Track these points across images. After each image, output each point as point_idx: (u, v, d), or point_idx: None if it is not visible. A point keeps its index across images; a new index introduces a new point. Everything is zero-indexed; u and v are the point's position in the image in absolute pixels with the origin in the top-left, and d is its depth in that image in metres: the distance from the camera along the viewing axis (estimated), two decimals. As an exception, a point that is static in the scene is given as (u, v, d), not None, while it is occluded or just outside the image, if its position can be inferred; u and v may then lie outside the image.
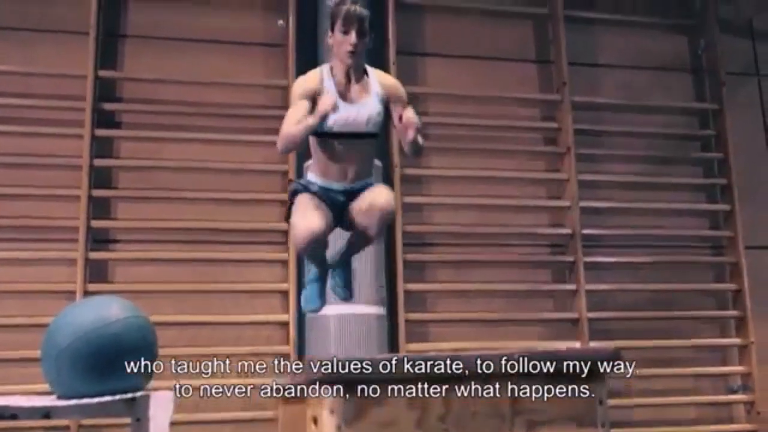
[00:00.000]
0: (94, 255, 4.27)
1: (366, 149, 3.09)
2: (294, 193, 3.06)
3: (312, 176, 3.11)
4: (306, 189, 3.03)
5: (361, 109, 3.01)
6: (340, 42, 2.98)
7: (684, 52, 5.48)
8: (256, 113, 4.66)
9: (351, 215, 3.03)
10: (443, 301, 4.67)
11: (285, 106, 4.50)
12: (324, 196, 3.01)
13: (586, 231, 4.87)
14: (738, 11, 5.53)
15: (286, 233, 4.45)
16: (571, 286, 4.80)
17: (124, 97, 4.59)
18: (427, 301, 4.70)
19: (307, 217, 2.86)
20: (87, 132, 4.34)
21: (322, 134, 2.99)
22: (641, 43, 5.35)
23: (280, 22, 4.80)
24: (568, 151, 4.94)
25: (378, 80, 3.10)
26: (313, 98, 2.97)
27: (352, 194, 3.05)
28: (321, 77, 3.04)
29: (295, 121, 2.90)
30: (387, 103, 3.07)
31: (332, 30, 3.03)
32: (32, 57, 4.45)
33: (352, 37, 2.97)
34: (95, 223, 4.30)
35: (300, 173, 4.47)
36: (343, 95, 3.01)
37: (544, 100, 5.12)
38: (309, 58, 4.62)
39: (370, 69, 3.13)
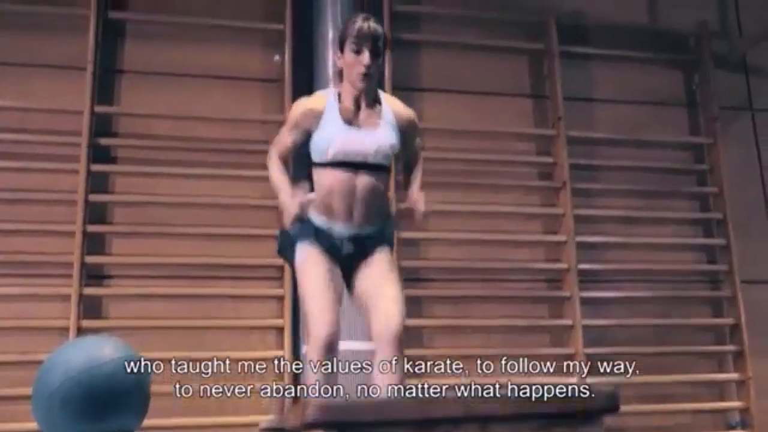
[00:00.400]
0: (88, 291, 4.24)
1: (375, 184, 2.78)
2: (292, 241, 2.79)
3: (314, 213, 2.79)
4: (307, 235, 2.75)
5: (369, 137, 2.76)
6: (351, 63, 2.75)
7: (678, 87, 5.51)
8: (252, 148, 4.65)
9: (358, 298, 2.80)
10: (440, 336, 4.64)
11: (281, 141, 4.60)
12: (326, 245, 2.74)
13: (582, 266, 4.86)
14: (732, 46, 5.56)
15: (281, 268, 4.44)
16: (568, 321, 4.78)
17: (120, 132, 4.59)
18: (423, 337, 4.67)
19: (325, 311, 2.63)
20: (82, 167, 4.33)
21: (323, 164, 2.76)
22: (636, 78, 5.38)
23: (276, 57, 4.82)
24: (563, 185, 4.95)
25: (392, 108, 2.88)
26: (308, 130, 2.78)
27: (361, 245, 2.78)
28: (325, 102, 2.82)
29: (278, 153, 2.85)
30: (401, 134, 2.84)
31: (341, 50, 2.80)
32: (29, 92, 4.45)
33: (366, 57, 2.73)
34: (89, 259, 4.28)
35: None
36: (350, 120, 2.78)
37: (539, 135, 5.14)
38: (305, 93, 4.57)
39: (383, 94, 2.91)
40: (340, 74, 2.89)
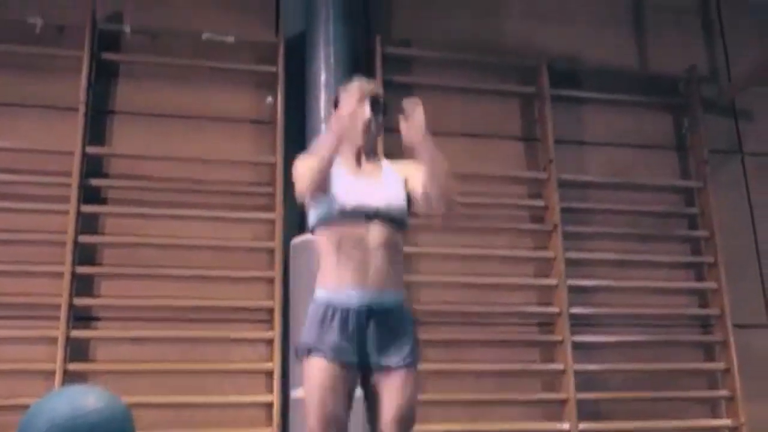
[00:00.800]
0: (75, 333, 4.19)
1: (390, 237, 2.58)
2: (301, 353, 2.56)
3: (321, 290, 2.59)
4: (314, 347, 2.50)
5: (378, 187, 2.63)
6: (350, 120, 2.61)
7: (669, 130, 5.53)
8: (243, 190, 4.65)
9: (373, 389, 2.55)
10: (432, 381, 4.59)
11: (272, 183, 4.61)
12: (338, 336, 2.49)
13: (573, 310, 4.84)
14: (721, 91, 5.61)
15: (271, 311, 4.41)
16: (559, 366, 4.75)
17: (110, 173, 4.57)
18: (413, 381, 4.62)
19: (325, 402, 2.45)
20: (72, 208, 4.31)
21: (328, 223, 2.57)
22: (626, 122, 5.41)
23: (269, 99, 4.82)
24: (555, 228, 4.94)
25: (392, 166, 2.77)
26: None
27: (377, 316, 2.53)
28: None
29: (307, 167, 2.52)
30: (406, 185, 2.68)
31: (337, 106, 2.69)
32: (20, 132, 4.45)
33: (366, 110, 2.67)
34: (78, 301, 4.24)
35: (287, 250, 4.45)
36: (354, 173, 2.67)
37: (530, 178, 5.15)
38: (297, 135, 4.65)
39: (382, 159, 2.82)
40: None
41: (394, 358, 2.54)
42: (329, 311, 2.53)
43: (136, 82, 4.72)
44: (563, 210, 4.99)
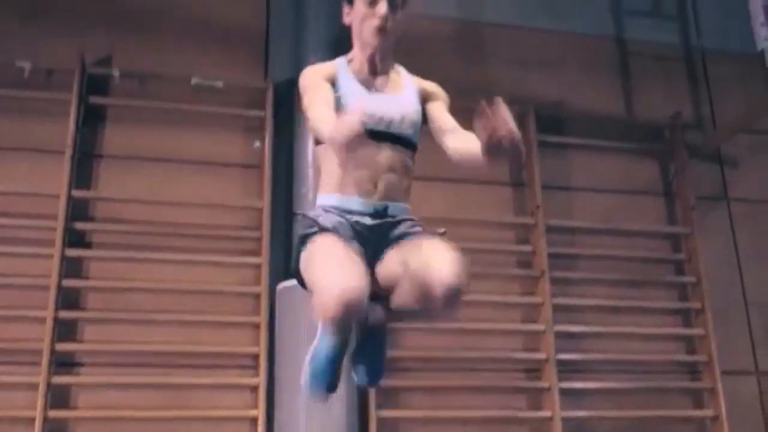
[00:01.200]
0: (57, 379, 4.13)
1: (402, 160, 2.36)
2: (304, 238, 2.24)
3: (323, 197, 2.35)
4: (321, 227, 2.21)
5: (392, 103, 2.37)
6: (363, 16, 2.37)
7: (655, 176, 5.57)
8: (230, 234, 4.64)
9: (388, 273, 2.21)
10: (417, 429, 4.54)
11: (259, 228, 4.59)
12: (346, 229, 2.23)
13: (561, 356, 4.81)
14: (706, 138, 5.65)
15: (256, 357, 4.36)
16: (547, 413, 4.70)
17: (96, 217, 4.55)
18: (400, 428, 4.57)
19: (336, 272, 1.99)
20: (57, 251, 4.27)
21: None
22: (613, 167, 5.44)
23: (257, 143, 4.83)
24: (542, 274, 4.94)
25: (411, 80, 2.51)
26: (331, 81, 2.37)
27: (384, 224, 2.30)
28: (336, 66, 2.42)
29: (323, 115, 2.16)
30: (424, 104, 2.47)
31: (351, 3, 2.43)
32: (5, 175, 4.43)
33: (382, 6, 2.34)
34: (60, 346, 4.18)
35: (273, 295, 4.42)
36: (366, 83, 2.40)
37: (518, 223, 5.15)
38: (285, 179, 4.67)
39: (401, 67, 2.53)
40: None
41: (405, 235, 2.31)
42: (332, 216, 2.29)
43: (124, 125, 4.72)
44: (551, 255, 4.99)
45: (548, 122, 5.34)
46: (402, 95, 2.44)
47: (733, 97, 5.68)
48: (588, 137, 5.42)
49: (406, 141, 2.38)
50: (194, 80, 4.80)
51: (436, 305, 2.02)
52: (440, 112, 2.53)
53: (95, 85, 4.72)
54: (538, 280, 4.95)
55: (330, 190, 2.32)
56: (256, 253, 4.58)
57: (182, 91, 4.79)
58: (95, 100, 4.68)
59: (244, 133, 4.88)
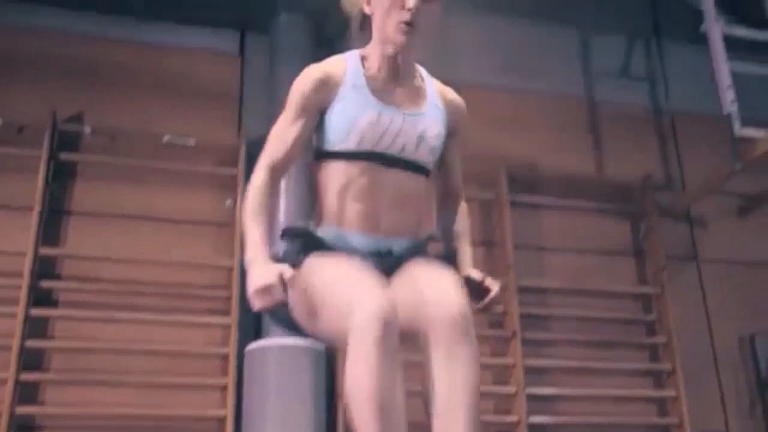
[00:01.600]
0: (17, 443, 4.04)
1: (413, 186, 2.01)
2: (294, 257, 1.91)
3: (319, 230, 1.98)
4: (314, 242, 1.92)
5: (411, 122, 1.98)
6: (387, 7, 1.95)
7: (626, 237, 5.60)
8: (199, 293, 4.59)
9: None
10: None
11: (229, 287, 4.54)
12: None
13: (532, 419, 4.77)
14: (676, 199, 5.71)
15: (223, 421, 4.27)
16: (519, 477, 4.66)
17: (64, 275, 4.48)
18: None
19: (362, 286, 1.69)
20: (21, 310, 4.19)
21: (336, 155, 1.96)
22: (585, 228, 5.46)
23: (229, 201, 4.81)
24: (514, 335, 4.91)
25: (436, 89, 2.11)
26: (321, 107, 1.97)
27: (392, 262, 1.94)
28: (345, 66, 2.01)
29: (270, 163, 1.94)
30: (449, 128, 2.09)
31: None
32: (-29, 232, 4.37)
33: None
34: (20, 409, 4.08)
35: (241, 357, 4.35)
36: (381, 95, 1.99)
37: (489, 283, 5.13)
38: (255, 237, 4.62)
39: (423, 71, 2.13)
40: (362, 27, 2.09)
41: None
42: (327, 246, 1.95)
43: (94, 182, 4.69)
44: (522, 316, 4.98)
45: (520, 182, 5.37)
46: (424, 111, 2.03)
47: (702, 158, 5.74)
48: (559, 197, 5.45)
49: (420, 168, 2.02)
50: (166, 137, 4.78)
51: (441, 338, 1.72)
52: (451, 161, 2.19)
53: (66, 141, 4.70)
54: (510, 342, 4.93)
55: (327, 222, 1.97)
56: (225, 313, 4.53)
57: (154, 148, 4.77)
58: (66, 156, 4.65)
59: (215, 191, 4.86)
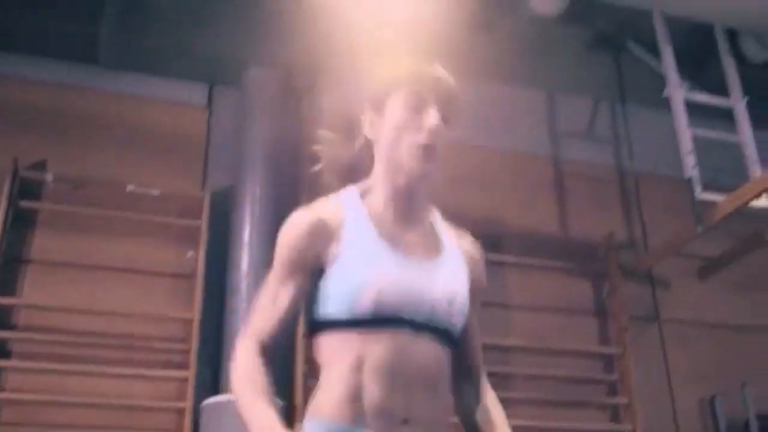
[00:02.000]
0: (-39, 500, 3.91)
1: (443, 362, 1.60)
2: None
3: (318, 423, 1.53)
4: None
5: (434, 276, 1.60)
6: (399, 127, 1.60)
7: (589, 296, 5.62)
8: (157, 346, 4.52)
9: None
10: None
11: (188, 340, 4.48)
12: None
13: (492, 480, 4.71)
14: (638, 259, 5.75)
15: (177, 478, 4.19)
16: None
17: (19, 325, 4.40)
18: None
19: None
20: (-28, 362, 4.11)
21: (345, 324, 1.54)
22: (549, 287, 5.47)
23: (190, 253, 4.77)
24: (475, 394, 4.87)
25: (450, 231, 1.76)
26: (317, 263, 1.58)
27: None
28: (342, 208, 1.63)
29: (256, 334, 1.57)
30: (470, 284, 1.68)
31: (381, 109, 1.65)
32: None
33: (432, 116, 1.58)
34: (-33, 464, 3.98)
35: (197, 412, 4.28)
36: (393, 241, 1.60)
37: (452, 341, 5.12)
38: (216, 290, 4.59)
39: (434, 210, 1.78)
40: (366, 157, 1.70)
41: None
42: None
43: (54, 230, 4.63)
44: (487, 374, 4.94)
45: (485, 239, 5.29)
46: (444, 261, 1.65)
47: (665, 219, 5.80)
48: (524, 255, 5.47)
49: (451, 337, 1.62)
50: (130, 187, 4.75)
51: None
52: (472, 325, 1.75)
53: (27, 188, 4.65)
54: (472, 400, 4.88)
55: (335, 414, 1.51)
56: (183, 366, 4.46)
57: (117, 197, 4.74)
58: (26, 204, 4.60)
59: (177, 243, 4.82)
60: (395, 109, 1.61)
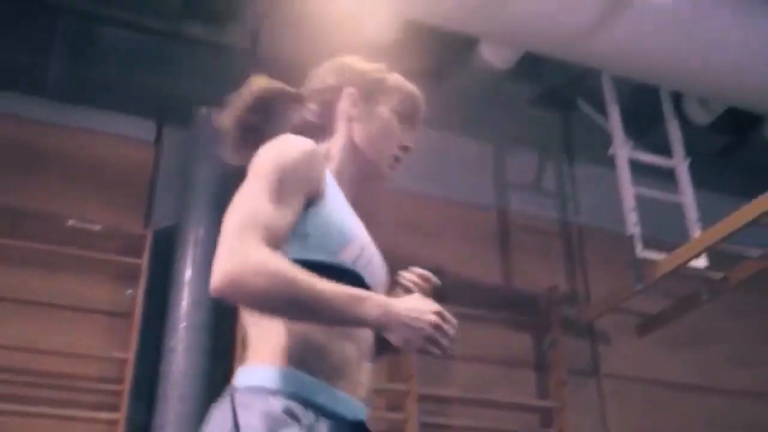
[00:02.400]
0: None
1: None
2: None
3: (278, 371, 1.43)
4: (294, 416, 1.37)
5: (377, 251, 1.70)
6: (388, 129, 1.69)
7: (530, 349, 5.63)
8: (87, 386, 4.40)
9: None
10: None
11: (121, 380, 4.38)
12: None
13: None
14: (580, 312, 5.80)
15: None
16: None
17: (-58, 361, 4.27)
18: None
19: None
20: None
21: (328, 268, 1.48)
22: (490, 338, 5.47)
23: (129, 291, 4.69)
24: (412, 444, 4.85)
25: None
26: (311, 195, 1.52)
27: None
28: (324, 165, 1.61)
29: (266, 239, 1.40)
30: None
31: (372, 99, 1.71)
32: None
33: (417, 134, 1.73)
34: None
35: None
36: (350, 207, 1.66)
37: (391, 390, 5.09)
38: (155, 329, 4.51)
39: None
40: (326, 125, 1.72)
41: None
42: (295, 411, 1.40)
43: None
44: (422, 425, 4.92)
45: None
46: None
47: (608, 274, 5.85)
48: (465, 306, 5.43)
49: None
50: (70, 221, 4.67)
51: None
52: None
53: (-38, 219, 4.55)
54: (409, 451, 4.86)
55: (295, 366, 1.43)
56: (115, 408, 4.35)
57: (57, 231, 4.64)
58: (-42, 236, 4.49)
59: (117, 280, 4.73)
60: (389, 110, 1.71)
